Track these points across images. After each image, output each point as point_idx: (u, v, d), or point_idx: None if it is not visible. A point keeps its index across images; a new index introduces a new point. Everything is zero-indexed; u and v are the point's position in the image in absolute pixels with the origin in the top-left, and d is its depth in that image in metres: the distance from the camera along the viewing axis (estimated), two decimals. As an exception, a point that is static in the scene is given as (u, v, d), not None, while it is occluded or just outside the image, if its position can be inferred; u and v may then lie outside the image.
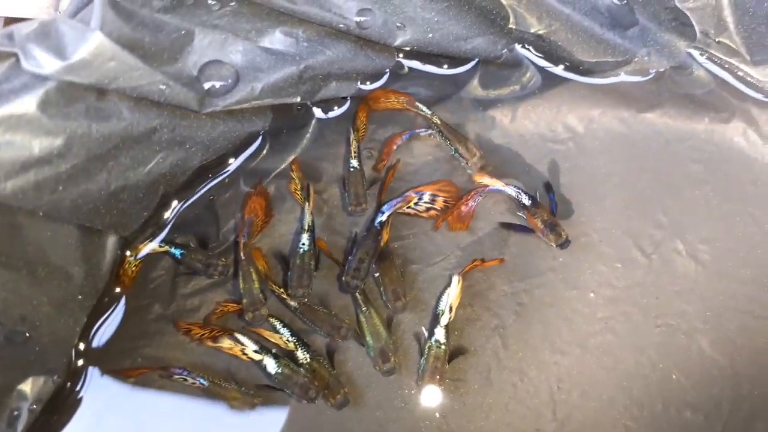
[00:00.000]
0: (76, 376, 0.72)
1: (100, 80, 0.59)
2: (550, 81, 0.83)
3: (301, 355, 0.73)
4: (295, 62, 0.72)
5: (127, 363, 0.73)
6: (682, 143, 0.81)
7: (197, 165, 0.75)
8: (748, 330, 0.74)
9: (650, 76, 0.82)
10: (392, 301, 0.74)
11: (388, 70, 0.81)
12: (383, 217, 0.76)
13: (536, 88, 0.83)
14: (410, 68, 0.82)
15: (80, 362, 0.72)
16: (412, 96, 0.81)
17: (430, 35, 0.75)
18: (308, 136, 0.82)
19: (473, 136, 0.81)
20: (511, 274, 0.77)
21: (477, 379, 0.74)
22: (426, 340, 0.74)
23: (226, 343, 0.72)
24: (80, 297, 0.69)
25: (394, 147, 0.80)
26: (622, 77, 0.82)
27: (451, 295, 0.73)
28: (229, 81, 0.69)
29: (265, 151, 0.81)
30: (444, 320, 0.73)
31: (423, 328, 0.75)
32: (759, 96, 0.81)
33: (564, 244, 0.74)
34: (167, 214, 0.78)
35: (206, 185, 0.79)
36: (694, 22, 0.76)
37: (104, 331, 0.74)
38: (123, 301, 0.75)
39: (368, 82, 0.81)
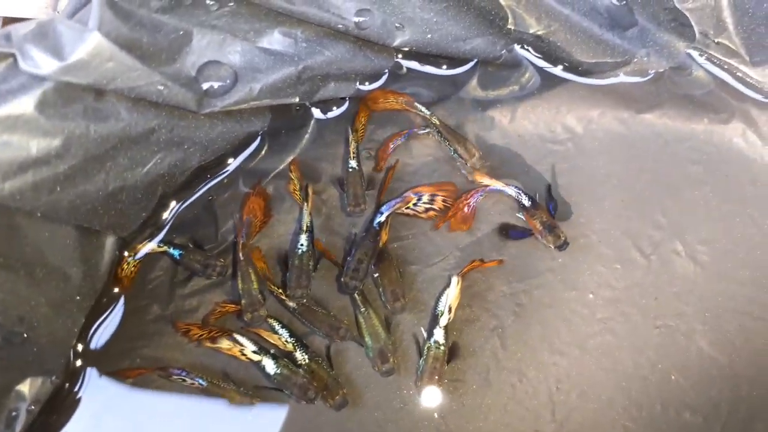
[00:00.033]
0: (74, 376, 0.72)
1: (98, 81, 0.59)
2: (549, 81, 0.83)
3: (300, 355, 0.73)
4: (293, 63, 0.71)
5: (125, 363, 0.73)
6: (682, 144, 0.81)
7: (196, 165, 0.75)
8: (747, 331, 0.74)
9: (649, 77, 0.82)
10: (391, 302, 0.74)
11: (386, 70, 0.81)
12: (382, 218, 0.76)
13: (535, 88, 0.83)
14: (409, 69, 0.82)
15: (79, 363, 0.72)
16: (411, 96, 0.81)
17: (429, 36, 0.75)
18: (307, 136, 0.81)
19: (472, 136, 0.81)
20: (510, 274, 0.77)
21: (476, 380, 0.74)
22: (425, 341, 0.74)
23: (225, 343, 0.72)
24: (78, 298, 0.69)
25: (392, 146, 0.80)
26: (621, 78, 0.82)
27: (450, 296, 0.73)
28: (228, 81, 0.69)
29: (263, 152, 0.81)
30: (443, 321, 0.73)
31: (422, 329, 0.75)
32: (758, 97, 0.81)
33: (562, 246, 0.74)
34: (166, 215, 0.78)
35: (205, 186, 0.79)
36: (693, 23, 0.76)
37: (103, 332, 0.74)
38: (121, 301, 0.75)
39: (367, 83, 0.81)
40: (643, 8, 0.77)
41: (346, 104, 0.82)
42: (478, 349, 0.74)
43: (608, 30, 0.77)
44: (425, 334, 0.75)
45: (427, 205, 0.78)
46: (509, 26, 0.78)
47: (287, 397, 0.72)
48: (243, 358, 0.73)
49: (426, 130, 0.81)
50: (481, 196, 0.78)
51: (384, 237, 0.76)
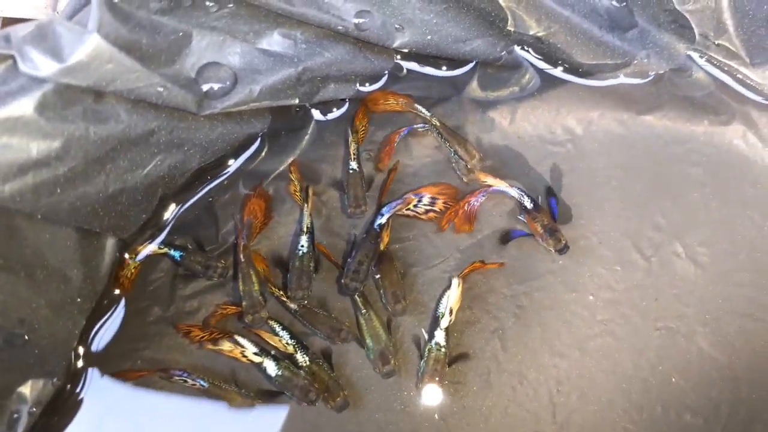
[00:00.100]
0: (76, 378, 0.72)
1: (97, 82, 0.59)
2: (549, 83, 0.83)
3: (301, 357, 0.73)
4: (293, 64, 0.71)
5: (127, 365, 0.73)
6: (682, 145, 0.81)
7: (196, 167, 0.75)
8: (747, 332, 0.74)
9: (649, 79, 0.82)
10: (392, 304, 0.74)
11: (386, 71, 0.81)
12: (383, 220, 0.76)
13: (535, 90, 0.82)
14: (409, 70, 0.82)
15: (80, 364, 0.72)
16: (411, 97, 0.81)
17: (429, 37, 0.75)
18: (307, 137, 0.81)
19: (472, 137, 0.81)
20: (511, 276, 0.77)
21: (476, 382, 0.74)
22: (426, 343, 0.74)
23: (226, 345, 0.72)
24: (79, 299, 0.69)
25: (394, 143, 0.80)
26: (622, 79, 0.82)
27: (451, 298, 0.73)
28: (228, 83, 0.69)
29: (263, 153, 0.81)
30: (444, 323, 0.73)
31: (423, 331, 0.75)
32: (758, 99, 0.81)
33: (563, 250, 0.74)
34: (166, 216, 0.78)
35: (205, 187, 0.79)
36: (693, 25, 0.76)
37: (104, 334, 0.74)
38: (122, 303, 0.75)
39: (367, 84, 0.81)
40: (643, 10, 0.77)
41: (346, 105, 0.82)
42: (478, 350, 0.74)
43: (608, 31, 0.77)
44: (426, 336, 0.75)
45: (428, 207, 0.78)
46: (509, 28, 0.78)
47: (288, 398, 0.72)
48: (244, 359, 0.73)
49: (425, 127, 0.81)
50: (483, 196, 0.78)
51: (385, 239, 0.76)
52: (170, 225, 0.78)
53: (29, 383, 0.65)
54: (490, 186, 0.77)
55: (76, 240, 0.67)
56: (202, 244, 0.78)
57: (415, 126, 0.81)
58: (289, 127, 0.81)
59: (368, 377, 0.74)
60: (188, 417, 0.73)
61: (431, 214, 0.78)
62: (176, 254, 0.76)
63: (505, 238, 0.78)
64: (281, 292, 0.75)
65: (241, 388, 0.73)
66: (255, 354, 0.72)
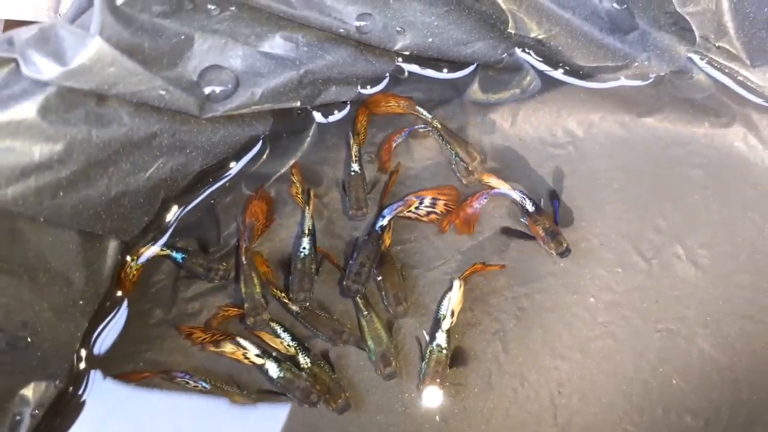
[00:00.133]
0: (78, 380, 0.72)
1: (99, 86, 0.59)
2: (550, 85, 0.83)
3: (302, 359, 0.73)
4: (295, 67, 0.71)
5: (129, 367, 0.74)
6: (682, 148, 0.81)
7: (198, 170, 0.75)
8: (747, 334, 0.75)
9: (650, 81, 0.82)
10: (393, 306, 0.74)
11: (388, 74, 0.81)
12: (384, 222, 0.76)
13: (536, 92, 0.83)
14: (410, 72, 0.82)
15: (82, 366, 0.72)
16: (412, 100, 0.81)
17: (430, 40, 0.75)
18: (308, 140, 0.82)
19: (473, 139, 0.81)
20: (512, 278, 0.77)
21: (478, 384, 0.74)
22: (427, 345, 0.74)
23: (228, 347, 0.72)
24: (81, 302, 0.69)
25: (394, 144, 0.80)
26: (622, 81, 0.82)
27: (453, 300, 0.73)
28: (229, 86, 0.69)
29: (265, 155, 0.81)
30: (445, 324, 0.73)
31: (424, 333, 0.75)
32: (759, 101, 0.81)
33: (564, 253, 0.74)
34: (168, 219, 0.78)
35: (207, 190, 0.79)
36: (694, 27, 0.76)
37: (106, 336, 0.74)
38: (124, 305, 0.75)
39: (368, 87, 0.81)
40: (643, 12, 0.77)
41: (348, 108, 0.82)
42: (479, 352, 0.75)
43: (609, 34, 0.78)
44: (427, 338, 0.75)
45: (429, 209, 0.78)
46: (510, 30, 0.78)
47: (290, 400, 0.72)
48: (246, 361, 0.73)
49: (426, 128, 0.81)
50: (485, 198, 0.78)
51: (387, 240, 0.76)
52: (172, 227, 0.78)
53: (32, 385, 0.66)
54: (492, 188, 0.77)
55: (78, 243, 0.67)
56: (204, 247, 0.78)
57: (416, 127, 0.81)
58: (291, 130, 0.81)
59: (370, 379, 0.74)
60: (190, 419, 0.73)
61: (432, 216, 0.78)
62: (178, 256, 0.76)
63: (507, 232, 0.78)
64: (283, 294, 0.75)
65: (242, 389, 0.73)
66: (257, 356, 0.73)
